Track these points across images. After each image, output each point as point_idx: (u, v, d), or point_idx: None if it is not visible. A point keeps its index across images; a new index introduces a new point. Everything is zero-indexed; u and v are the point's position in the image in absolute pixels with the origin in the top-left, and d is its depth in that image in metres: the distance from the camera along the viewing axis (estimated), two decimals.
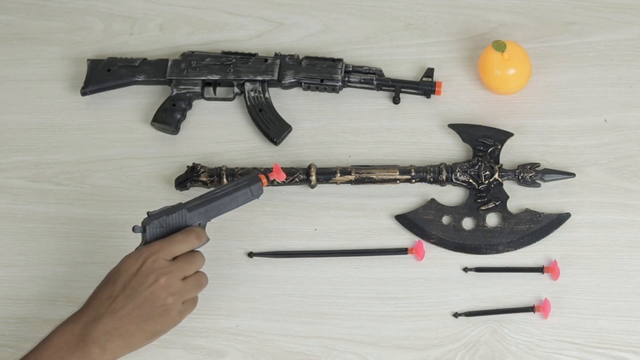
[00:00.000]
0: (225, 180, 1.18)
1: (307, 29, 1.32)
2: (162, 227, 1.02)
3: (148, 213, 1.03)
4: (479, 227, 1.17)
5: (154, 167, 1.23)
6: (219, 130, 1.25)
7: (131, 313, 0.96)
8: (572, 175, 1.18)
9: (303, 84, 1.25)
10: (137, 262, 0.98)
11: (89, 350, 0.94)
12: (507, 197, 1.18)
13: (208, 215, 1.05)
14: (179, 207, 1.04)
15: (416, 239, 1.17)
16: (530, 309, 1.13)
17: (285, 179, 1.15)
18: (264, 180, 1.06)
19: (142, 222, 1.03)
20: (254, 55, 1.26)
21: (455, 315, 1.13)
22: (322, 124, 1.25)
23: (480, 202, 1.18)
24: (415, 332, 1.13)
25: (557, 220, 1.17)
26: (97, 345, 0.94)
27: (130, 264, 0.99)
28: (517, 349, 1.12)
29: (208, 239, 1.05)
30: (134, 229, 1.02)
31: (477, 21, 1.31)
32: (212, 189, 1.07)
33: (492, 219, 1.18)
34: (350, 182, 1.19)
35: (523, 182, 1.18)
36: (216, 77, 1.25)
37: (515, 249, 1.16)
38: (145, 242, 1.02)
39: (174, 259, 1.01)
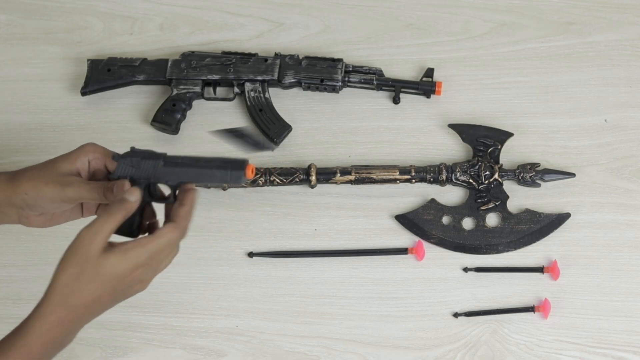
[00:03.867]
0: None
1: (307, 29, 1.32)
2: (133, 167, 0.97)
3: (131, 148, 0.99)
4: (479, 227, 1.17)
5: None
6: None
7: (105, 303, 0.93)
8: (572, 175, 1.18)
9: (303, 84, 1.25)
10: (128, 268, 0.92)
11: (68, 346, 0.93)
12: (507, 197, 1.18)
13: (179, 178, 0.97)
14: (159, 156, 0.98)
15: (416, 239, 1.17)
16: (530, 309, 1.13)
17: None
18: (249, 172, 0.96)
19: (121, 155, 0.98)
20: (254, 55, 1.26)
21: (455, 315, 1.13)
22: (322, 124, 1.25)
23: (480, 202, 1.18)
24: (415, 332, 1.13)
25: (557, 220, 1.17)
26: (74, 338, 0.93)
27: (123, 270, 0.92)
28: (517, 349, 1.12)
29: (175, 200, 0.98)
30: (113, 157, 0.97)
31: (477, 21, 1.31)
32: (198, 155, 0.98)
33: (492, 219, 1.18)
34: (350, 182, 1.19)
35: (523, 182, 1.18)
36: (216, 77, 1.25)
37: (515, 249, 1.16)
38: (114, 174, 0.97)
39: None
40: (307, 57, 1.26)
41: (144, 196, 0.98)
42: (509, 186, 1.19)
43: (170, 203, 0.98)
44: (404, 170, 1.18)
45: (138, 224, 0.99)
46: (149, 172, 0.98)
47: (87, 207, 1.02)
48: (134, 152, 0.98)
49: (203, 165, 0.97)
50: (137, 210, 0.98)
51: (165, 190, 0.98)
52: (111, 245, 0.92)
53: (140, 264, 0.92)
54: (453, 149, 1.23)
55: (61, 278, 0.91)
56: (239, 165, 0.95)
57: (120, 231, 0.99)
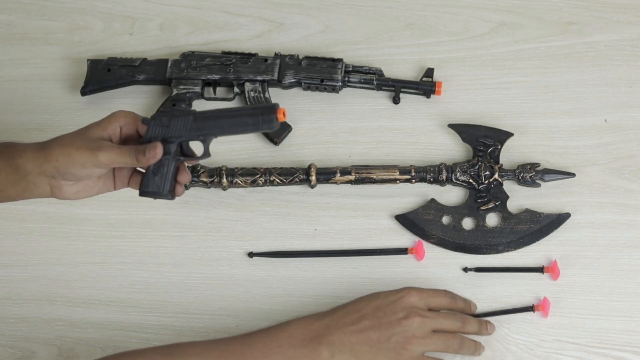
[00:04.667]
0: (225, 180, 1.18)
1: (307, 29, 1.32)
2: (163, 127, 0.97)
3: (159, 109, 0.99)
4: (479, 227, 1.17)
5: None
6: None
7: (370, 334, 0.98)
8: (572, 175, 1.18)
9: (303, 84, 1.25)
10: (398, 294, 1.03)
11: (319, 349, 0.97)
12: (507, 197, 1.18)
13: (211, 132, 0.97)
14: (188, 113, 0.98)
15: (416, 239, 1.17)
16: (530, 308, 1.13)
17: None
18: (281, 115, 0.94)
19: (151, 117, 0.99)
20: (254, 55, 1.26)
21: None
22: (322, 124, 1.25)
23: (480, 202, 1.18)
24: None
25: (557, 220, 1.17)
26: (328, 350, 0.97)
27: (390, 293, 1.03)
28: (517, 349, 1.12)
29: (209, 155, 1.00)
30: (142, 121, 0.98)
31: (477, 21, 1.31)
32: (226, 107, 0.99)
33: (492, 219, 1.18)
34: (350, 182, 1.19)
35: (523, 182, 1.18)
36: (216, 77, 1.25)
37: (515, 249, 1.16)
38: (145, 137, 0.98)
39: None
40: (307, 57, 1.26)
41: (177, 155, 0.97)
42: (509, 186, 1.19)
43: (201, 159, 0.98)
44: (404, 170, 1.18)
45: (173, 186, 0.99)
46: (180, 129, 0.97)
47: (120, 178, 1.01)
48: (162, 113, 0.98)
49: (233, 115, 0.96)
50: (172, 171, 0.98)
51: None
52: None
53: (403, 292, 1.04)
54: (453, 149, 1.23)
55: None
56: (270, 109, 0.94)
57: (153, 194, 0.98)
